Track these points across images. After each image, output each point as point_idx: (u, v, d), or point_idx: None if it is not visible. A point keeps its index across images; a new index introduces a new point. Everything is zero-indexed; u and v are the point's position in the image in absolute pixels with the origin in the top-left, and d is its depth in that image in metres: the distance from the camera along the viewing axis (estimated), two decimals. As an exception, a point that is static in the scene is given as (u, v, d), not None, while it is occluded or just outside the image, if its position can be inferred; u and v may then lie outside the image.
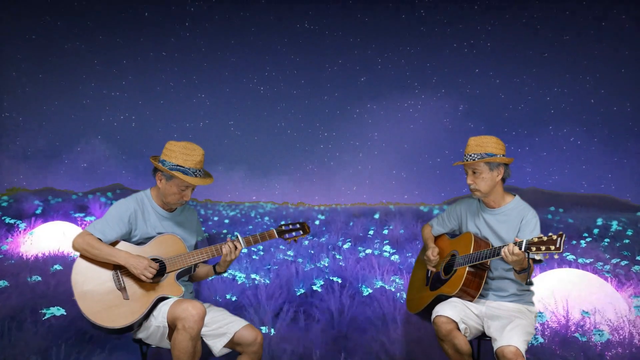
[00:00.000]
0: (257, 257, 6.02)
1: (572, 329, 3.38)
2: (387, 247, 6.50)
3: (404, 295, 4.07)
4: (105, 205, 7.39)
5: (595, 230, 8.02)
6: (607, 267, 5.09)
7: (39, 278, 4.14)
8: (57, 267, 4.64)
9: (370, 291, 4.36)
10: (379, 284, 4.55)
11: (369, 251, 6.39)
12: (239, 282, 4.59)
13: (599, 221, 8.54)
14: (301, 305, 4.26)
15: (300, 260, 5.94)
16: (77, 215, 7.58)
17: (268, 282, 4.65)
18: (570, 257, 5.39)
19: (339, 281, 4.48)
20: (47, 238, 6.02)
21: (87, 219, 7.30)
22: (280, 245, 6.89)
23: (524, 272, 2.39)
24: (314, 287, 4.44)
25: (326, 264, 5.62)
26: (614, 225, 8.18)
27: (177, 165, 2.44)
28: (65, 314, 3.17)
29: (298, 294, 4.45)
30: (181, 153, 2.45)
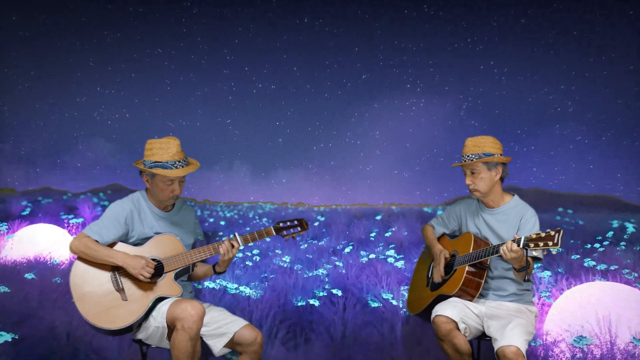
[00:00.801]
0: (250, 263, 6.00)
1: (619, 358, 3.14)
2: (391, 252, 6.43)
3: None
4: (95, 206, 7.52)
5: (610, 233, 8.03)
6: (635, 274, 5.04)
7: (7, 289, 4.03)
8: (30, 275, 4.53)
9: (377, 305, 4.22)
10: (386, 295, 4.46)
11: (372, 256, 6.33)
12: (230, 292, 4.48)
13: (615, 223, 8.55)
14: (297, 324, 4.10)
15: (298, 266, 5.89)
16: (64, 217, 7.61)
17: (261, 293, 4.57)
18: (590, 262, 5.35)
19: (340, 294, 4.41)
20: (29, 242, 6.00)
21: (74, 221, 7.35)
22: (277, 250, 6.93)
23: (523, 271, 2.52)
24: (312, 302, 4.31)
25: (326, 272, 5.54)
26: (630, 227, 8.19)
27: (156, 162, 2.57)
28: (9, 340, 2.89)
29: (295, 305, 4.35)
30: (157, 149, 2.58)
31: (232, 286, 4.49)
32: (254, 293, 4.47)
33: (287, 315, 4.17)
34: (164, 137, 2.64)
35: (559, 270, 5.33)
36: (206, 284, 4.48)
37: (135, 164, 2.67)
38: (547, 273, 4.61)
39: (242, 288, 4.52)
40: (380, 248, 7.01)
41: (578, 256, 5.84)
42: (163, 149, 2.57)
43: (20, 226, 6.73)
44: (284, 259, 6.24)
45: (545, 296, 4.13)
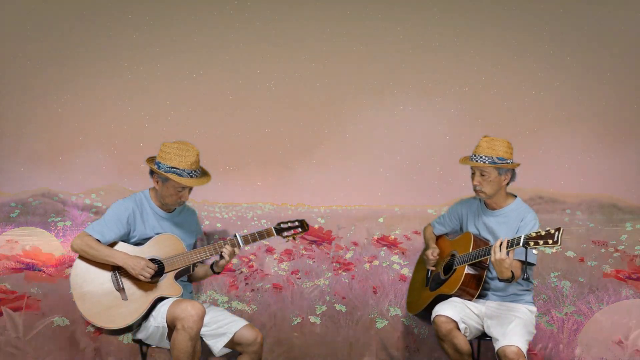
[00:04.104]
0: (246, 270, 5.99)
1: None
2: (395, 257, 6.38)
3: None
4: (84, 208, 7.74)
5: (623, 237, 8.06)
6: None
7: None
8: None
9: (385, 322, 4.07)
10: (394, 310, 4.28)
11: (376, 263, 6.31)
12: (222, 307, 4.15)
13: (629, 226, 8.59)
14: (293, 350, 3.92)
15: (297, 275, 5.86)
16: (51, 220, 7.71)
17: (255, 308, 4.42)
18: (608, 268, 5.24)
19: (343, 309, 4.25)
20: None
21: (61, 224, 7.46)
22: (274, 256, 7.02)
23: (505, 282, 2.67)
24: (312, 319, 4.15)
25: (327, 282, 5.52)
26: (644, 231, 8.25)
27: (172, 167, 2.75)
28: None
29: (293, 323, 4.20)
30: (175, 155, 2.75)
31: (222, 299, 4.39)
32: (246, 308, 4.38)
33: (283, 336, 4.05)
34: (181, 142, 2.82)
35: (580, 280, 5.33)
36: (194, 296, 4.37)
37: (148, 163, 2.86)
38: (567, 283, 4.40)
39: (234, 303, 4.44)
40: (384, 253, 7.06)
41: (596, 262, 5.76)
42: (182, 156, 2.74)
43: (5, 229, 6.80)
44: (282, 266, 6.25)
45: (569, 312, 3.96)
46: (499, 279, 2.70)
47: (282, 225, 3.03)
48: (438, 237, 3.33)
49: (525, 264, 2.72)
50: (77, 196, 4.96)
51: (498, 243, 2.58)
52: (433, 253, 3.18)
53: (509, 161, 2.86)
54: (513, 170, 2.91)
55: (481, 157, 2.85)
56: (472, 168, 2.93)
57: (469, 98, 4.15)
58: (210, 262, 3.06)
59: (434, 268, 3.18)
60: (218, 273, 3.00)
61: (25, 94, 4.21)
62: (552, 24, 4.20)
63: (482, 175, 2.87)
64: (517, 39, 4.24)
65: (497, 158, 2.83)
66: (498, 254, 2.56)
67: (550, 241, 2.45)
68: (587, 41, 4.23)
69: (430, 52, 4.26)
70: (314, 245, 7.52)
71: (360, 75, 4.26)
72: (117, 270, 2.77)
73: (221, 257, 2.89)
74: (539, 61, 4.25)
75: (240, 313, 4.18)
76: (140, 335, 2.82)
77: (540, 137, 4.22)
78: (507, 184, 2.94)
